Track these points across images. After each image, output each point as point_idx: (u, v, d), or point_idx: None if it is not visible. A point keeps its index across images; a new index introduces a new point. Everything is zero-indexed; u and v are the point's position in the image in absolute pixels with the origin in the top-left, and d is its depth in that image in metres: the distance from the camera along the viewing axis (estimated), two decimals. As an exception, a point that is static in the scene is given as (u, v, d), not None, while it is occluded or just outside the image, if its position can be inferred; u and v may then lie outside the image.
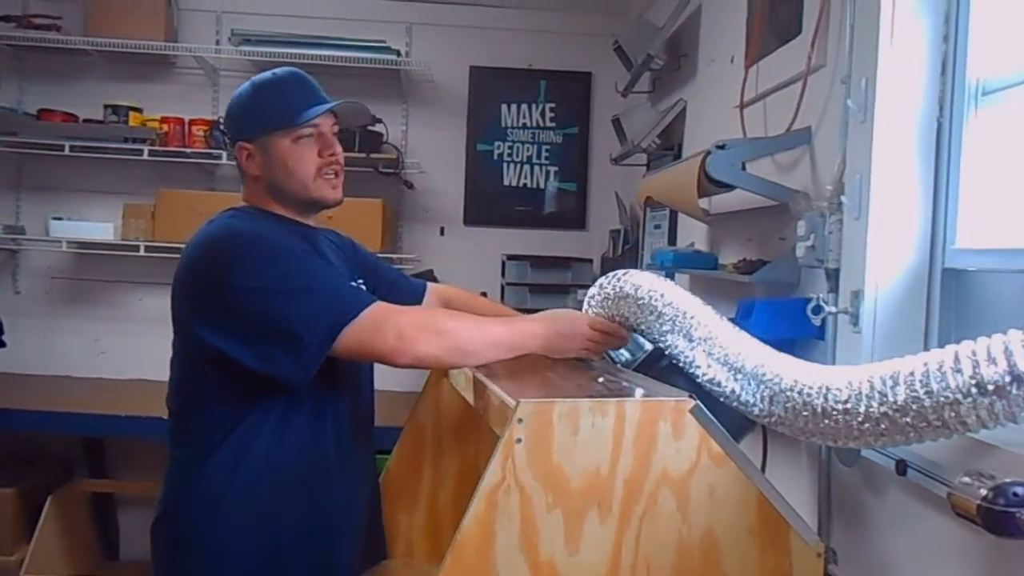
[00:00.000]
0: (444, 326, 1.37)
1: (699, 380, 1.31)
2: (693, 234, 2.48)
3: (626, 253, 3.23)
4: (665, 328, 1.37)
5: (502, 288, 3.46)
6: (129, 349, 3.41)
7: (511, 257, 3.23)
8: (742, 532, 1.16)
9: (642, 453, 1.14)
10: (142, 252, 3.16)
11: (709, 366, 1.29)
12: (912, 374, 1.01)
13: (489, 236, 3.58)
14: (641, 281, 1.42)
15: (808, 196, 1.60)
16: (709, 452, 1.16)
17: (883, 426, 1.04)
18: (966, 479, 0.96)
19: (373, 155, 3.20)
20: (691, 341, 1.32)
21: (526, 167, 3.58)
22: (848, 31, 1.45)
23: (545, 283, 3.22)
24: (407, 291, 1.77)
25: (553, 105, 3.56)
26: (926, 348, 1.37)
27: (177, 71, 3.42)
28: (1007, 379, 0.92)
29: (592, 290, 1.54)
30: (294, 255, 1.39)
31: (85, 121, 3.24)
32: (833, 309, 1.40)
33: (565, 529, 1.11)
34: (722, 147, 1.66)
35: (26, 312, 3.42)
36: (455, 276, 3.46)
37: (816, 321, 1.41)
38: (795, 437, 1.20)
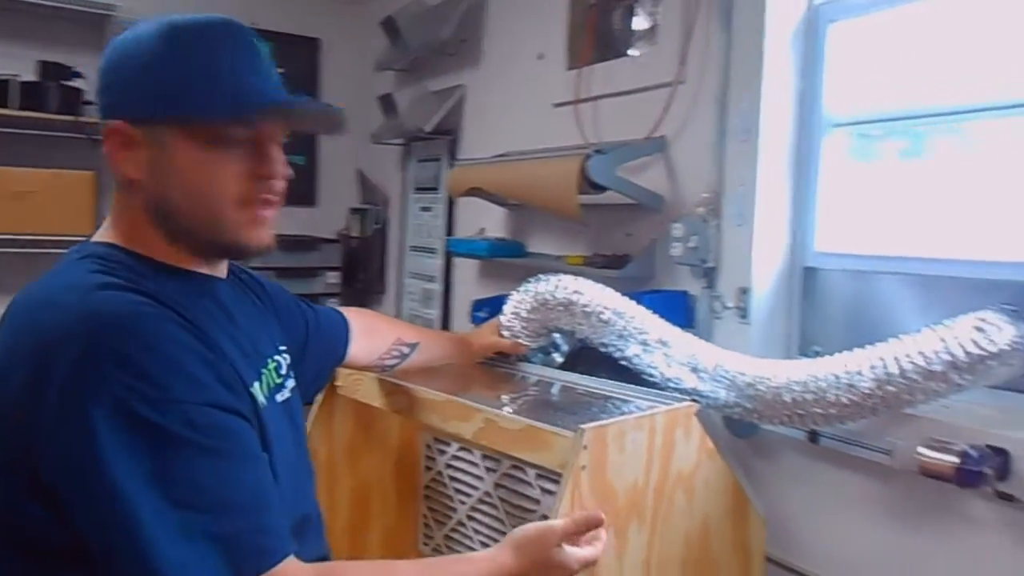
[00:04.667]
0: None
1: (656, 379, 1.41)
2: (482, 220, 2.54)
3: (376, 233, 3.16)
4: (612, 335, 1.43)
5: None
6: None
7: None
8: (724, 514, 1.31)
9: (665, 460, 1.21)
10: None
11: (669, 366, 1.40)
12: (873, 365, 1.24)
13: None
14: (581, 288, 1.46)
15: (663, 201, 1.79)
16: (706, 449, 1.28)
17: (847, 410, 1.27)
18: (928, 450, 1.22)
19: (80, 119, 2.62)
20: (646, 346, 1.42)
21: (252, 137, 3.24)
22: (723, 58, 1.65)
23: (295, 266, 3.00)
24: (332, 328, 1.32)
25: (280, 70, 3.26)
26: (788, 335, 1.66)
27: None
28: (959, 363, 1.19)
29: (519, 296, 1.53)
30: (206, 438, 0.78)
31: None
32: (730, 304, 1.61)
33: (615, 544, 1.14)
34: (600, 152, 1.75)
35: None
36: (173, 260, 3.05)
37: (720, 316, 1.61)
38: (755, 422, 1.38)
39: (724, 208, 1.65)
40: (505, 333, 1.56)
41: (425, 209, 2.88)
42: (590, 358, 1.58)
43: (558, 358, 1.61)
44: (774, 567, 1.47)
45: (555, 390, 1.49)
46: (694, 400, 1.30)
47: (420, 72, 2.89)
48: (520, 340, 1.55)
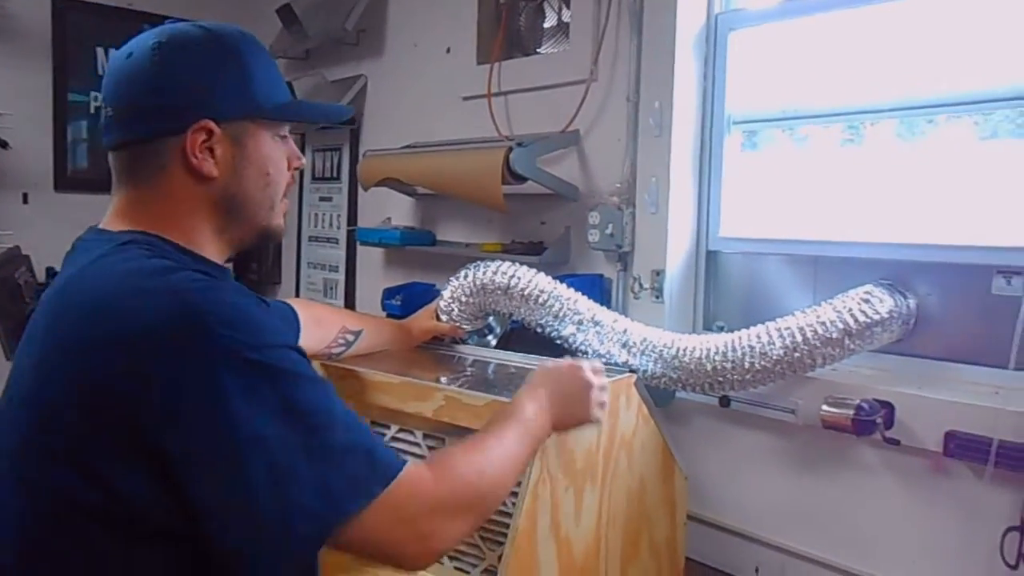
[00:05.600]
0: (477, 491, 0.92)
1: (590, 356, 1.54)
2: (386, 209, 2.58)
3: (270, 223, 3.11)
4: (549, 316, 1.55)
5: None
6: None
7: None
8: (656, 472, 1.46)
9: (612, 426, 1.34)
10: None
11: (601, 343, 1.53)
12: (782, 334, 1.42)
13: (88, 205, 3.00)
14: (519, 274, 1.56)
15: (578, 191, 1.92)
16: (641, 415, 1.42)
17: (760, 375, 1.45)
18: (828, 406, 1.42)
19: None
20: (580, 325, 1.54)
21: (131, 124, 3.10)
22: (634, 58, 1.79)
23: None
24: (288, 321, 1.33)
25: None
26: (694, 312, 1.83)
27: None
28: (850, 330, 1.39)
29: (458, 281, 1.60)
30: (308, 371, 0.85)
31: None
32: (647, 285, 1.76)
33: (574, 505, 1.25)
34: (521, 144, 1.86)
35: None
36: (46, 254, 2.88)
37: (638, 296, 1.75)
38: (678, 390, 1.54)
39: (638, 197, 1.80)
40: (443, 317, 1.63)
41: (325, 199, 2.87)
42: (523, 338, 1.68)
43: (492, 340, 1.70)
44: (692, 522, 1.63)
45: (491, 369, 1.58)
46: (631, 371, 1.43)
47: (316, 61, 2.87)
48: (458, 324, 1.63)
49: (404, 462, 0.86)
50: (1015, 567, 1.25)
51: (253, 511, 0.77)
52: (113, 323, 0.80)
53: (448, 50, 2.33)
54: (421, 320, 1.66)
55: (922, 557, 1.40)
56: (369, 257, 2.69)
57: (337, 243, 2.81)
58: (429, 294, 2.44)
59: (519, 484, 1.19)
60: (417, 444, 1.56)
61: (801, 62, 1.66)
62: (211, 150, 0.93)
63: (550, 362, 1.21)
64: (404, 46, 2.52)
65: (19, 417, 0.85)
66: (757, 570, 1.64)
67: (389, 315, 2.21)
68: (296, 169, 1.03)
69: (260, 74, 0.97)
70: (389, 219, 2.57)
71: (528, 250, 1.98)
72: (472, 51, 2.24)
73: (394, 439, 1.60)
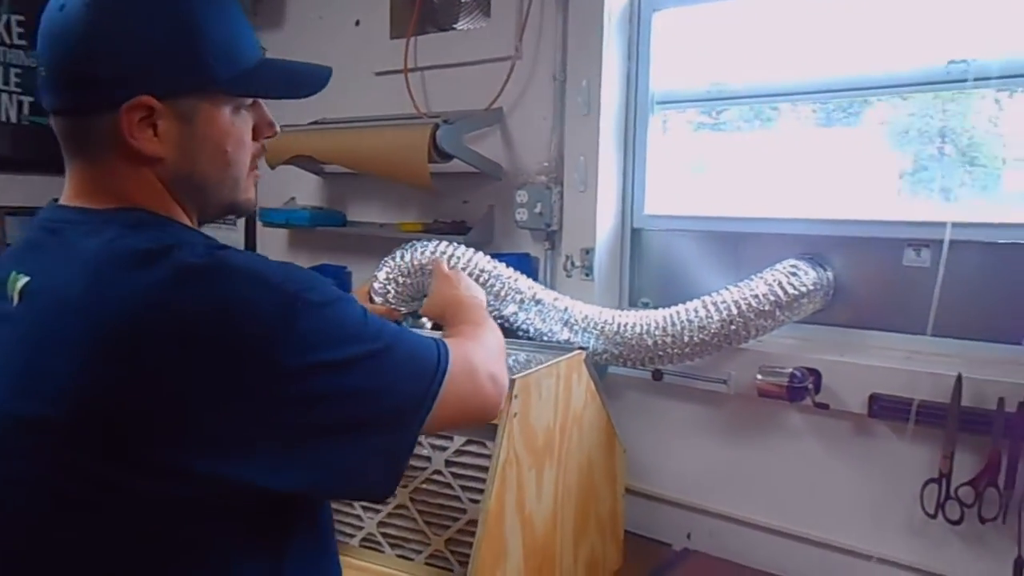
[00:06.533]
0: (491, 340, 1.05)
1: (531, 334, 1.54)
2: (289, 189, 2.47)
3: (154, 204, 2.90)
4: (490, 296, 1.53)
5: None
6: None
7: (13, 211, 2.57)
8: (601, 446, 1.48)
9: (565, 402, 1.34)
10: None
11: (543, 321, 1.54)
12: (719, 308, 1.48)
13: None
14: (458, 254, 1.53)
15: (502, 169, 1.91)
16: (590, 390, 1.43)
17: (698, 348, 1.50)
18: (763, 376, 1.48)
19: None
20: (522, 304, 1.53)
21: (-11, 95, 2.80)
22: (560, 37, 1.79)
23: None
24: None
25: (21, 18, 2.82)
26: (620, 289, 1.87)
27: None
28: (779, 302, 1.47)
29: (394, 262, 1.56)
30: (338, 291, 0.84)
31: None
32: (578, 263, 1.77)
33: (536, 483, 1.25)
34: (448, 121, 1.82)
35: None
36: None
37: (570, 274, 1.76)
38: (619, 365, 1.56)
39: (566, 176, 1.80)
40: (378, 299, 1.58)
41: (218, 178, 2.70)
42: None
43: (428, 323, 1.66)
44: (628, 494, 1.67)
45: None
46: (582, 348, 1.44)
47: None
48: (394, 305, 1.58)
49: (441, 340, 0.92)
50: (934, 516, 1.36)
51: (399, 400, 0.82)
52: (193, 327, 0.71)
53: (357, 23, 2.24)
54: (354, 302, 1.60)
55: (848, 512, 1.50)
56: (271, 239, 2.57)
57: (234, 224, 2.66)
58: (340, 276, 2.36)
59: (486, 469, 1.18)
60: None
61: (723, 44, 1.72)
62: (154, 125, 0.80)
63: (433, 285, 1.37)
64: (307, 18, 2.40)
65: (45, 423, 0.72)
66: (689, 535, 1.70)
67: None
68: (269, 138, 0.91)
69: (217, 35, 0.82)
70: (293, 199, 2.46)
71: (452, 230, 1.95)
72: (384, 25, 2.17)
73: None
